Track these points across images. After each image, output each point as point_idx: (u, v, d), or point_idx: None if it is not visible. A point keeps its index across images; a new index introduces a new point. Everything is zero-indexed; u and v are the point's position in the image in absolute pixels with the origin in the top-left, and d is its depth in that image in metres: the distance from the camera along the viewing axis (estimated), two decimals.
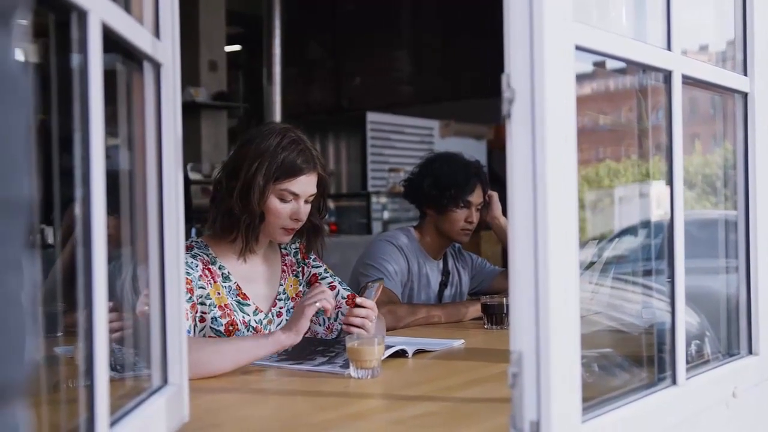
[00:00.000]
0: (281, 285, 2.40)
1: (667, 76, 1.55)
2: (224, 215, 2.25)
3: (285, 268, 2.43)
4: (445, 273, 3.21)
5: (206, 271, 2.21)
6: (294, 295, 2.41)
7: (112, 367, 1.20)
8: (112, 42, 1.13)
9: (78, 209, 1.04)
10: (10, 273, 0.57)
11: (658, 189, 1.94)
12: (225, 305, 2.23)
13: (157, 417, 1.31)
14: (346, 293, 2.41)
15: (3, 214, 0.56)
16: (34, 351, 0.62)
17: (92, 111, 1.03)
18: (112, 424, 1.12)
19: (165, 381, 1.41)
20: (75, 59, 1.04)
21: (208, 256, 2.25)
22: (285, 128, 2.31)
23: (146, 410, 1.27)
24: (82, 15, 1.01)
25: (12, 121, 0.57)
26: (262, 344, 2.00)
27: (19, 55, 0.59)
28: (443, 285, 3.20)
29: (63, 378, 1.43)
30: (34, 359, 0.62)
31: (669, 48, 1.55)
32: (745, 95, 1.85)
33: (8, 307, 0.57)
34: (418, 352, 2.22)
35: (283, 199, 2.24)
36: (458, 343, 2.40)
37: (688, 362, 1.59)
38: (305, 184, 2.25)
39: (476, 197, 3.08)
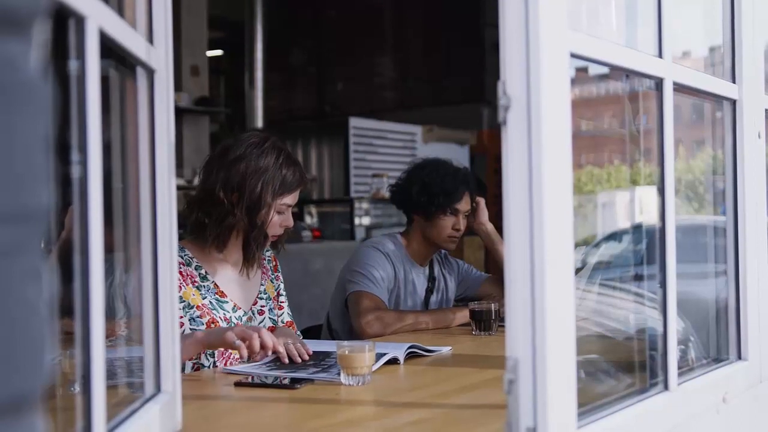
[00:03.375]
0: (262, 285, 2.48)
1: (659, 83, 1.56)
2: (227, 230, 2.31)
3: (264, 270, 2.51)
4: (432, 279, 3.21)
5: (178, 274, 2.23)
6: (273, 297, 2.50)
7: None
8: (107, 47, 1.13)
9: (75, 216, 1.04)
10: (29, 282, 0.57)
11: (642, 195, 1.96)
12: (202, 305, 2.28)
13: (151, 425, 1.30)
14: (287, 318, 2.50)
15: (23, 222, 0.56)
16: (52, 360, 0.61)
17: (90, 116, 1.03)
18: None
19: (158, 389, 1.40)
20: (72, 65, 1.04)
21: (182, 258, 2.28)
22: (274, 142, 2.39)
23: (140, 418, 1.26)
24: (80, 21, 1.01)
25: (33, 130, 0.56)
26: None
27: (38, 63, 0.59)
28: (429, 291, 3.20)
29: (53, 385, 1.42)
30: (53, 368, 0.61)
31: (660, 55, 1.56)
32: (733, 102, 1.86)
33: (28, 316, 0.57)
34: (410, 356, 2.23)
35: (279, 212, 2.35)
36: (446, 350, 2.40)
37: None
38: (297, 196, 2.40)
39: (464, 205, 3.08)
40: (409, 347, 2.23)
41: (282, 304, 2.55)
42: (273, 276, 2.54)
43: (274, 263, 2.57)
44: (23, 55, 0.56)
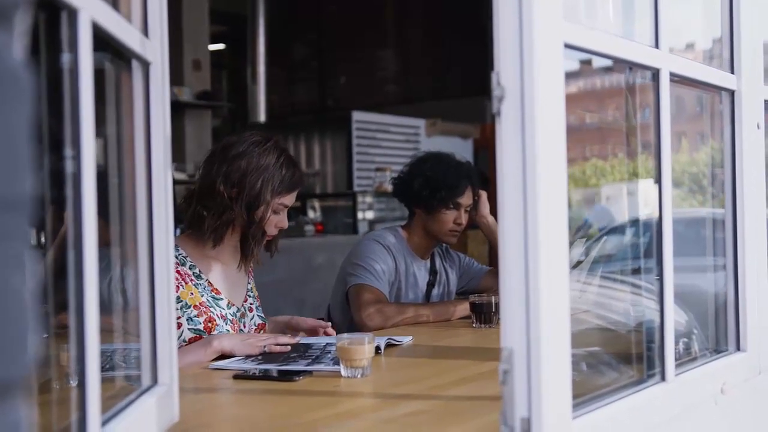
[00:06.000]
0: (249, 283, 2.52)
1: (655, 74, 1.56)
2: (225, 225, 2.33)
3: (250, 269, 2.55)
4: (433, 272, 3.21)
5: (176, 274, 2.25)
6: (257, 296, 2.56)
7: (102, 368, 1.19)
8: (101, 40, 1.13)
9: (67, 210, 1.04)
10: (13, 269, 0.58)
11: (645, 187, 1.95)
12: (200, 303, 2.31)
13: (148, 416, 1.31)
14: (258, 321, 2.51)
15: (6, 210, 0.57)
16: (36, 348, 0.62)
17: (83, 110, 1.03)
18: (103, 423, 1.11)
19: (155, 381, 1.40)
20: (65, 58, 1.04)
21: (177, 257, 2.29)
22: (276, 142, 2.41)
23: (137, 410, 1.27)
24: (73, 13, 1.01)
25: (14, 119, 0.57)
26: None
27: (20, 53, 0.59)
28: (431, 284, 3.20)
29: (51, 378, 1.42)
30: (36, 356, 0.62)
31: (657, 46, 1.56)
32: (732, 93, 1.86)
33: (11, 304, 0.57)
34: (389, 345, 2.28)
35: (275, 212, 2.37)
36: (407, 340, 2.43)
37: (676, 359, 1.59)
38: (294, 197, 2.42)
39: (466, 199, 3.08)
40: (387, 343, 2.28)
41: (251, 306, 2.59)
42: (254, 276, 2.60)
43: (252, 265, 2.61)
44: (5, 45, 0.57)
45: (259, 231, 2.34)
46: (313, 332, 2.48)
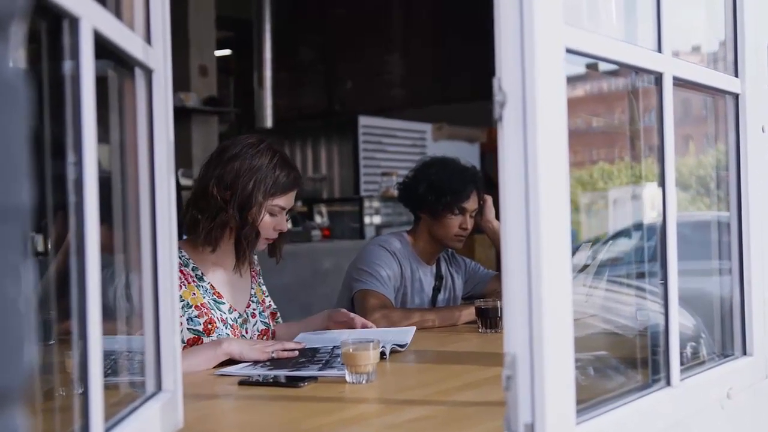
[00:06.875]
0: (252, 288, 2.52)
1: (658, 78, 1.56)
2: (219, 227, 2.33)
3: (254, 274, 2.56)
4: (439, 278, 3.21)
5: (178, 273, 2.26)
6: (261, 300, 2.55)
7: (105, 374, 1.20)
8: (104, 48, 1.13)
9: (70, 217, 1.04)
10: (8, 279, 0.58)
11: (651, 191, 1.95)
12: (201, 305, 2.32)
13: (152, 423, 1.31)
14: (261, 327, 2.51)
15: (3, 220, 0.57)
16: (32, 357, 0.62)
17: (84, 117, 1.03)
18: (107, 430, 1.11)
19: (159, 387, 1.40)
20: (66, 65, 1.04)
21: (180, 258, 2.30)
22: (270, 144, 2.42)
23: (140, 416, 1.27)
24: (74, 21, 1.01)
25: (11, 128, 0.57)
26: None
27: (17, 62, 0.60)
28: (437, 290, 3.19)
29: (56, 385, 1.43)
30: (33, 365, 0.62)
31: (660, 50, 1.55)
32: (736, 96, 1.85)
33: (7, 313, 0.58)
34: (393, 352, 2.27)
35: (272, 214, 2.37)
36: (411, 331, 2.46)
37: (683, 364, 1.59)
38: (292, 199, 2.41)
39: (471, 204, 3.08)
40: (392, 350, 2.27)
41: (269, 299, 2.61)
42: (260, 281, 2.59)
43: (258, 268, 2.62)
44: (1, 54, 0.57)
45: (252, 232, 2.34)
46: (349, 325, 2.52)
